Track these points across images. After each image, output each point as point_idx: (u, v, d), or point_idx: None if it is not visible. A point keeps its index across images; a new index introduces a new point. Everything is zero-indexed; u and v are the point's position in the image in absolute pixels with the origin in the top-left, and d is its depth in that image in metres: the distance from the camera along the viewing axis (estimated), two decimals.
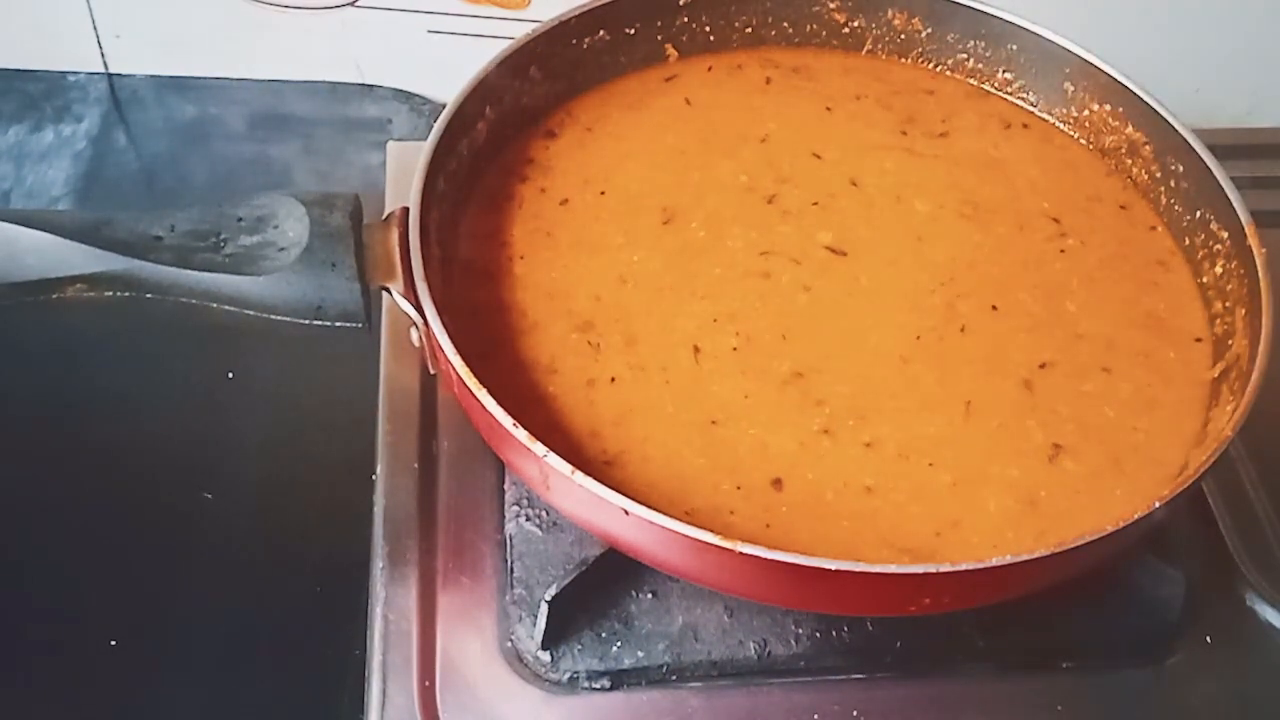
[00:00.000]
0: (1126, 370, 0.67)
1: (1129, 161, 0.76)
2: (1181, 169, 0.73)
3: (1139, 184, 0.76)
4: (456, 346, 0.60)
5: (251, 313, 0.63)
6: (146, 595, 0.77)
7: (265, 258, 0.63)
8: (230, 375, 0.87)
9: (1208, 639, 0.67)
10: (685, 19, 0.80)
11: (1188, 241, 0.73)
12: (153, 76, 1.07)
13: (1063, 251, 0.72)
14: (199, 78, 1.06)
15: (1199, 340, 0.69)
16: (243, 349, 0.87)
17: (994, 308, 0.69)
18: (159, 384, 0.87)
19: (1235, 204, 0.68)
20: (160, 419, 0.85)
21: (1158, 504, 0.54)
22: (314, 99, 1.07)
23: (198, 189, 1.04)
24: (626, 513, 0.54)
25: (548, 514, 0.68)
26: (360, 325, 0.64)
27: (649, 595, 0.66)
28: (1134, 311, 0.70)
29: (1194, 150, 0.71)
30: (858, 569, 0.51)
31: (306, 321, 0.63)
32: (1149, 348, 0.68)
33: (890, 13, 0.81)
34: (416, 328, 0.63)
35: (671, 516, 0.53)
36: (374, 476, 0.72)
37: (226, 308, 0.63)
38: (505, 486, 0.70)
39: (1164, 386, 0.67)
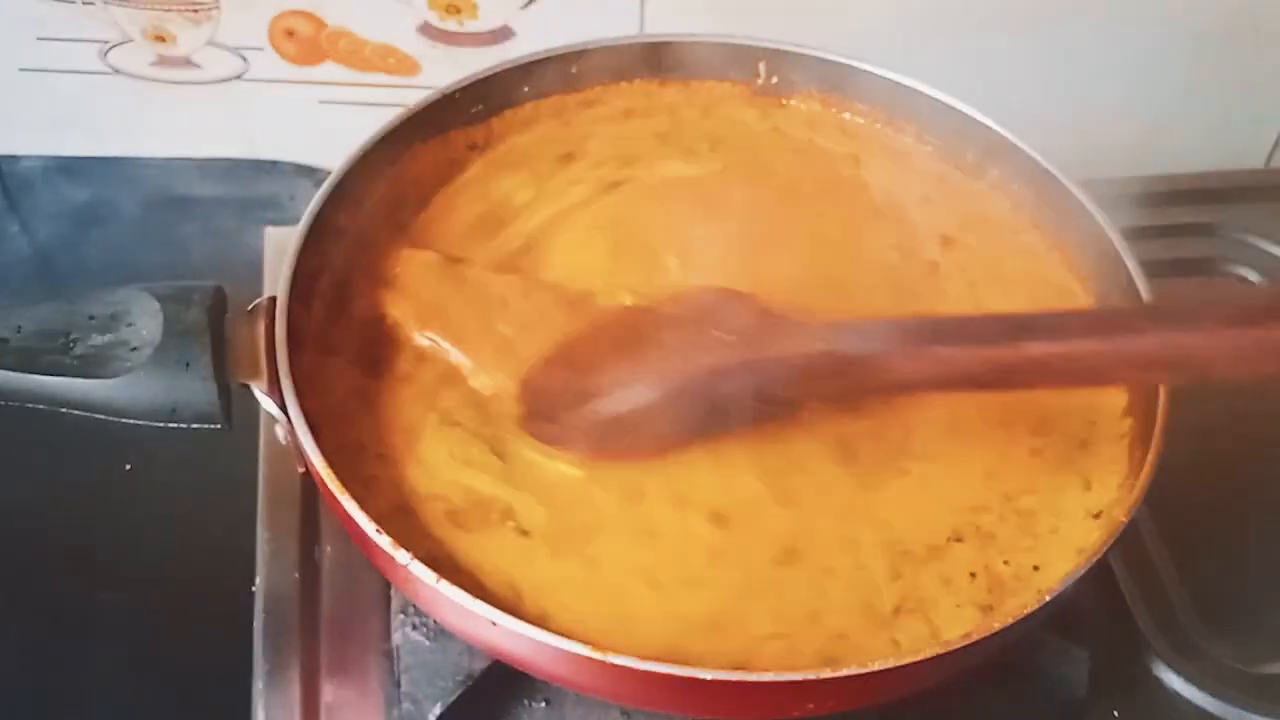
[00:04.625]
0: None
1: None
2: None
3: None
4: (321, 447, 0.60)
5: (102, 417, 0.62)
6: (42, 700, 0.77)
7: (116, 358, 0.62)
8: (128, 467, 0.86)
9: (1115, 713, 0.68)
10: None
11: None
12: (40, 160, 1.06)
13: None
14: (88, 158, 1.06)
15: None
16: (142, 438, 0.86)
17: None
18: (57, 477, 0.86)
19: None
20: (58, 514, 0.85)
21: (1011, 621, 0.54)
22: (211, 177, 1.07)
23: (95, 275, 1.04)
24: (494, 624, 0.53)
25: (435, 622, 0.67)
26: (218, 427, 0.63)
27: (542, 703, 0.65)
28: None
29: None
30: (733, 678, 0.50)
31: (161, 425, 0.63)
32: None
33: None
34: (282, 426, 0.62)
35: (540, 626, 0.52)
36: (254, 589, 0.71)
37: (76, 412, 0.63)
38: (391, 593, 0.69)
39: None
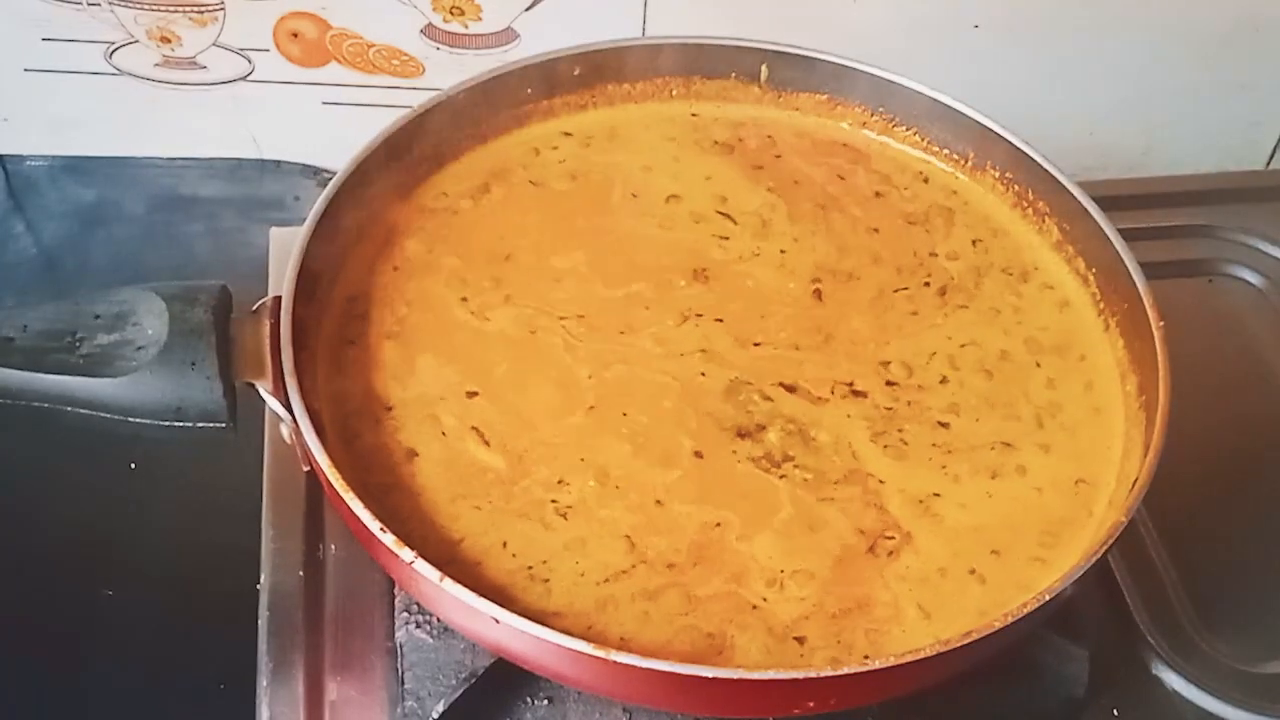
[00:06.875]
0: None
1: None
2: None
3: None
4: (325, 445, 0.60)
5: (107, 415, 0.63)
6: (47, 698, 0.77)
7: (122, 357, 0.63)
8: (133, 465, 0.86)
9: (1115, 712, 0.68)
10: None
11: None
12: (46, 160, 1.07)
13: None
14: (94, 158, 1.06)
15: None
16: (147, 437, 0.87)
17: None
18: (62, 474, 0.86)
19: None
20: (63, 512, 0.85)
21: (1012, 619, 0.54)
22: (216, 177, 1.07)
23: (100, 275, 1.04)
24: (497, 621, 0.54)
25: (438, 619, 0.67)
26: (224, 426, 0.64)
27: (545, 701, 0.65)
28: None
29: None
30: (734, 676, 0.50)
31: (166, 424, 0.63)
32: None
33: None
34: (287, 425, 0.63)
35: (542, 624, 0.53)
36: (258, 587, 0.71)
37: (82, 411, 0.63)
38: (395, 591, 0.69)
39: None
